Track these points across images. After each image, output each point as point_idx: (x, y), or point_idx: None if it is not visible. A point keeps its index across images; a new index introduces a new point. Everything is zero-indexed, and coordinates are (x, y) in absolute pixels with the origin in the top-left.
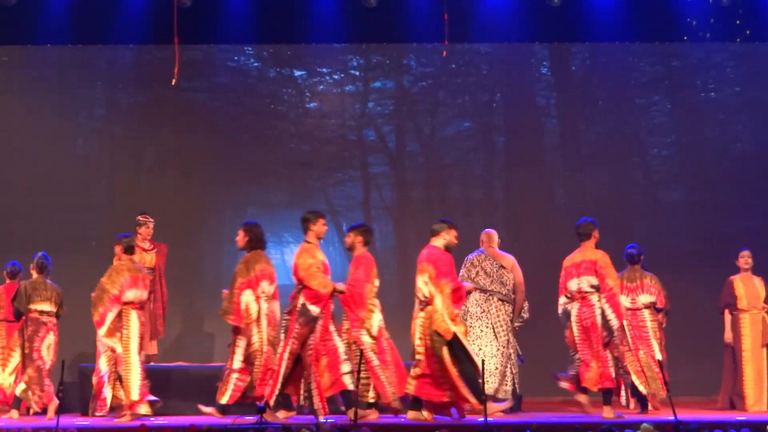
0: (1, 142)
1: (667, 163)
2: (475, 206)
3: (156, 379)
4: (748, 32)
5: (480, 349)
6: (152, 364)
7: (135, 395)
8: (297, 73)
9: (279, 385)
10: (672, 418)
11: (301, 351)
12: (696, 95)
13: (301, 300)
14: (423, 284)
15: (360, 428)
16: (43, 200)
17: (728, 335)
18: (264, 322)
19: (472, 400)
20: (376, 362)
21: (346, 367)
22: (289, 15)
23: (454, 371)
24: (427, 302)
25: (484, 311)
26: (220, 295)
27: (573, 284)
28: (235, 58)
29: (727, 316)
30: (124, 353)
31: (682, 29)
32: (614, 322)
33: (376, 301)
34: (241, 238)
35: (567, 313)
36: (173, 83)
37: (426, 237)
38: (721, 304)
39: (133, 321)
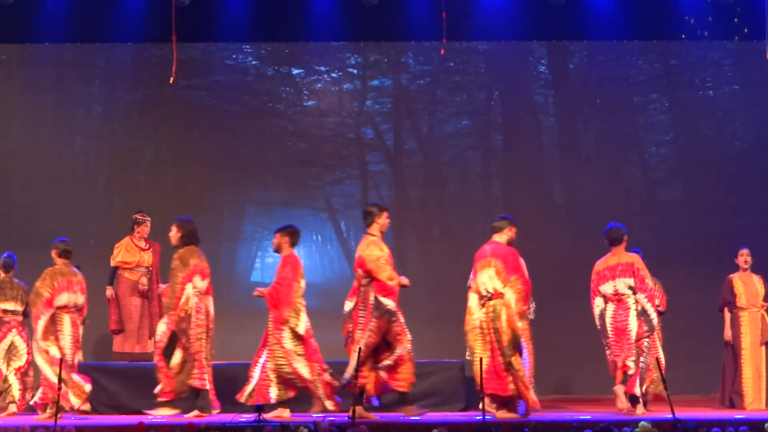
0: (0, 141)
1: (665, 161)
2: (473, 204)
3: (153, 378)
4: (746, 30)
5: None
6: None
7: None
8: (295, 71)
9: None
10: (670, 416)
11: (395, 343)
12: (694, 93)
13: (372, 294)
14: (488, 279)
15: (358, 426)
16: (41, 198)
17: (727, 333)
18: (194, 315)
19: (532, 396)
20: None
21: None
22: (287, 13)
23: (519, 365)
24: (490, 297)
25: None
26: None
27: (608, 287)
28: (233, 56)
29: (726, 315)
30: (60, 355)
31: (680, 27)
32: (655, 319)
33: (303, 301)
34: (173, 234)
35: (603, 315)
36: (171, 81)
37: (424, 235)
38: (720, 303)
39: (66, 325)
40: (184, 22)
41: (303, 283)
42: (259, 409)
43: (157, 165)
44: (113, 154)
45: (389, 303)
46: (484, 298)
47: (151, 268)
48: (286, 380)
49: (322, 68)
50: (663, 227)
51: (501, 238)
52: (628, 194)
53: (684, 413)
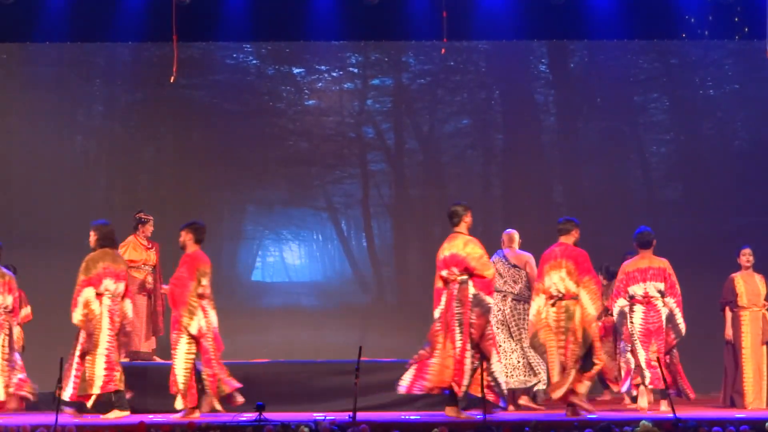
0: (1, 140)
1: (666, 161)
2: (474, 204)
3: (154, 376)
4: (746, 29)
5: (500, 345)
6: (153, 361)
7: None
8: (296, 70)
9: (468, 378)
10: (671, 415)
11: (480, 341)
12: (694, 93)
13: (472, 290)
14: (560, 280)
15: (358, 426)
16: (42, 197)
17: (728, 332)
18: (106, 318)
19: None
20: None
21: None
22: (288, 12)
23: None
24: (561, 297)
25: (500, 309)
26: (218, 290)
27: (638, 289)
28: (234, 55)
29: (728, 314)
30: None
31: (680, 27)
32: (683, 326)
33: (205, 302)
34: (91, 237)
35: (624, 314)
36: (172, 81)
37: (424, 234)
38: (721, 302)
39: None
40: (184, 21)
41: (204, 282)
42: (260, 408)
43: (157, 164)
44: (114, 153)
45: (491, 300)
46: (554, 298)
47: (155, 267)
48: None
49: (323, 67)
50: (663, 227)
51: (568, 239)
52: (628, 194)
53: (685, 412)
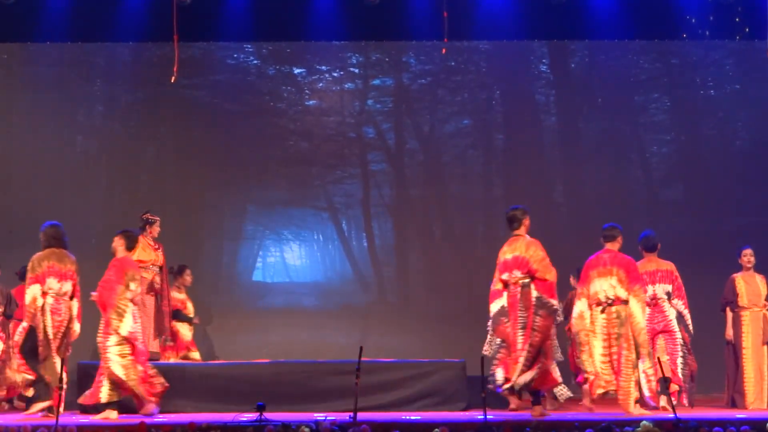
0: (2, 139)
1: (666, 161)
2: (475, 204)
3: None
4: (747, 29)
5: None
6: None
7: None
8: (296, 70)
9: (517, 375)
10: (672, 416)
11: (543, 343)
12: (695, 93)
13: (534, 293)
14: (610, 287)
15: (359, 426)
16: (43, 197)
17: (729, 333)
18: (48, 315)
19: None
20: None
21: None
22: (289, 12)
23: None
24: (611, 303)
25: None
26: (218, 290)
27: (648, 291)
28: (235, 55)
29: (729, 314)
30: None
31: (680, 27)
32: (690, 325)
33: (130, 305)
34: (41, 238)
35: None
36: (172, 81)
37: (425, 234)
38: (722, 302)
39: None
40: (185, 21)
41: (134, 286)
42: (261, 408)
43: (158, 164)
44: (114, 153)
45: (555, 302)
46: (603, 305)
47: (161, 268)
48: (114, 382)
49: (324, 68)
50: (664, 227)
51: (614, 246)
52: (629, 194)
53: (685, 413)
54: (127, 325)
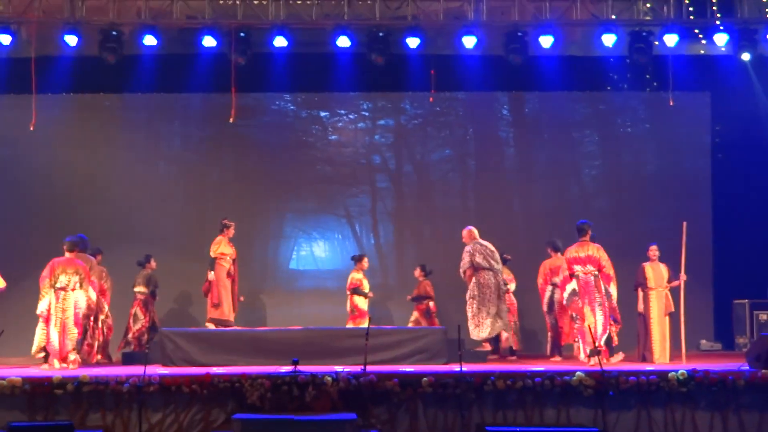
0: (104, 165)
1: (596, 181)
2: (454, 212)
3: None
4: (655, 84)
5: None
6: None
7: None
8: (322, 113)
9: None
10: (599, 368)
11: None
12: (617, 130)
13: (602, 284)
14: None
15: (368, 375)
16: (134, 208)
17: (640, 307)
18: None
19: None
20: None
21: None
22: (316, 71)
23: None
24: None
25: (494, 282)
26: (265, 276)
27: (580, 269)
28: (277, 102)
29: (640, 293)
30: None
31: (606, 81)
32: (615, 294)
33: (51, 291)
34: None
35: (575, 292)
36: (231, 121)
37: (418, 235)
38: (635, 284)
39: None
40: (241, 77)
41: (63, 279)
42: (295, 363)
43: (220, 183)
44: (188, 176)
45: (613, 289)
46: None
47: (234, 260)
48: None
49: (342, 111)
50: (595, 229)
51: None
52: (569, 205)
53: (608, 366)
54: (42, 305)
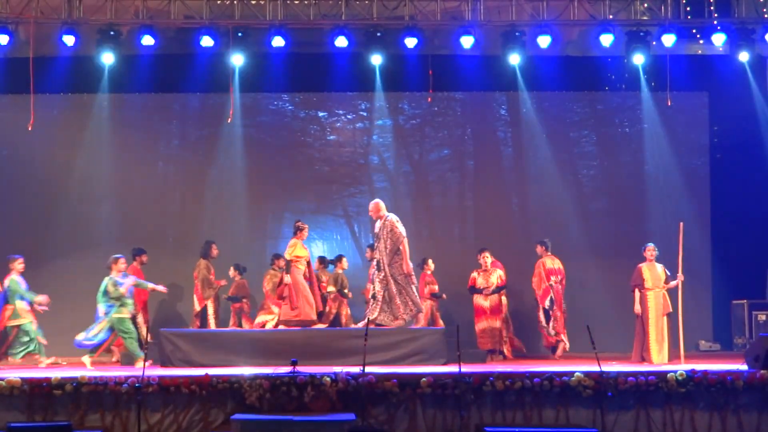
0: (102, 165)
1: (594, 181)
2: (452, 212)
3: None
4: (653, 84)
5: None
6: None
7: None
8: (320, 114)
9: None
10: (598, 369)
11: None
12: (614, 131)
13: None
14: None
15: (367, 376)
16: (132, 208)
17: (637, 308)
18: None
19: None
20: None
21: None
22: (315, 71)
23: None
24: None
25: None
26: (262, 275)
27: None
28: (275, 102)
29: (637, 294)
30: None
31: (604, 82)
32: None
33: None
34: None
35: (553, 300)
36: (229, 121)
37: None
38: (632, 285)
39: None
40: (239, 77)
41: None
42: (294, 363)
43: (218, 183)
44: (186, 175)
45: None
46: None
47: (309, 262)
48: None
49: (341, 112)
50: (592, 229)
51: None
52: (566, 205)
53: (607, 367)
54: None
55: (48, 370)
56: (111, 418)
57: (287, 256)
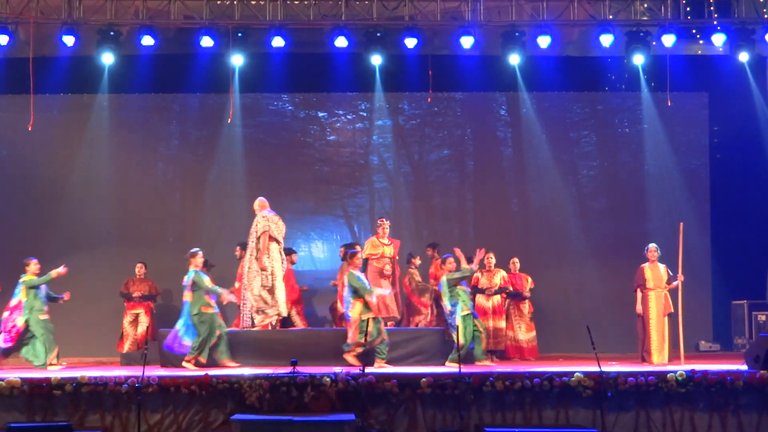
0: (102, 165)
1: (594, 181)
2: (451, 212)
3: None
4: (653, 84)
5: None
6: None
7: None
8: (320, 114)
9: None
10: (597, 369)
11: None
12: (614, 131)
13: None
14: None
15: (367, 376)
16: (132, 208)
17: (639, 308)
18: None
19: None
20: None
21: None
22: (315, 71)
23: None
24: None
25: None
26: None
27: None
28: (275, 103)
29: (638, 294)
30: None
31: (603, 82)
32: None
33: None
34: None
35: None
36: (228, 121)
37: (415, 234)
38: (634, 285)
39: None
40: (238, 77)
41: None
42: (294, 363)
43: (217, 183)
44: (185, 175)
45: None
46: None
47: (392, 259)
48: None
49: (340, 112)
50: (592, 229)
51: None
52: (566, 204)
53: (607, 367)
54: None
55: (48, 370)
56: (111, 419)
57: (362, 255)
